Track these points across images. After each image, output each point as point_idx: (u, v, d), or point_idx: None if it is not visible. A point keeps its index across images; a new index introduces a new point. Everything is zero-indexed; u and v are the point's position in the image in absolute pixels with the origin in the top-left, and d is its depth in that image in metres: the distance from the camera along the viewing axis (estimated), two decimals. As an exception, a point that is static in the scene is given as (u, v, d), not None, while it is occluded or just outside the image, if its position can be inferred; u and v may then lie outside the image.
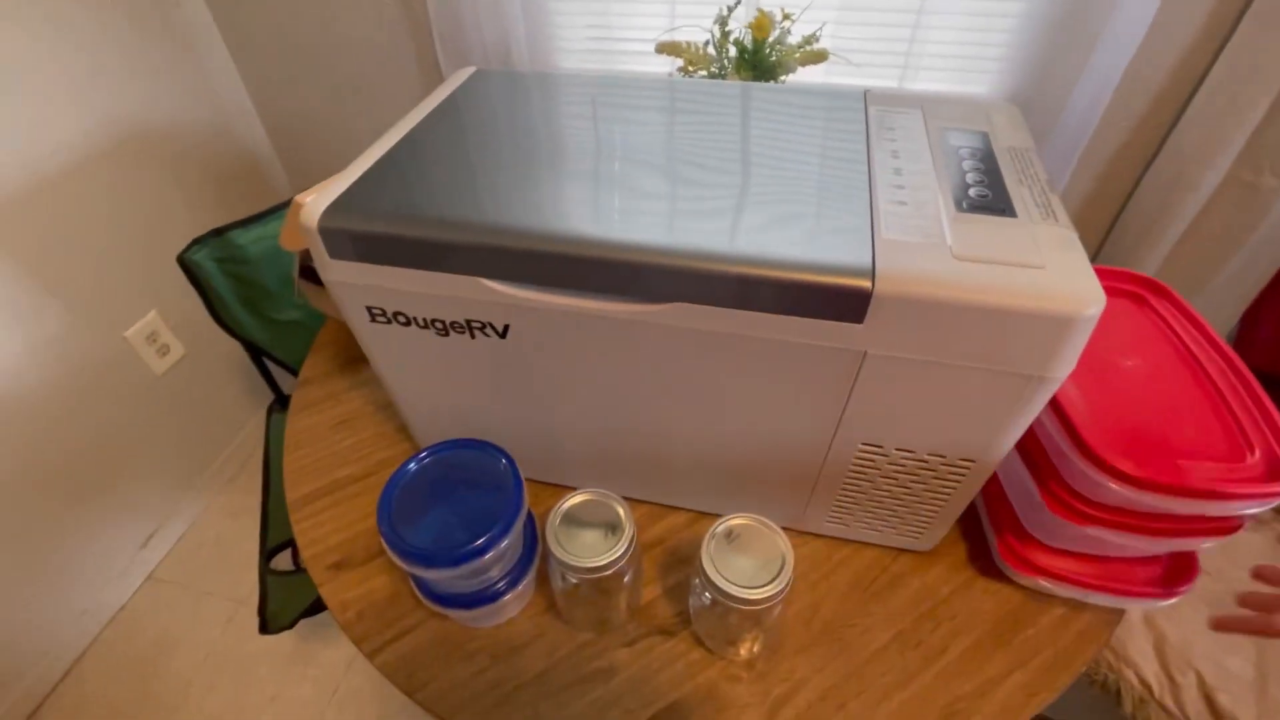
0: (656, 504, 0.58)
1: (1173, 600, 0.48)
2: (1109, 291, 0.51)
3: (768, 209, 0.41)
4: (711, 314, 0.39)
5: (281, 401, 0.96)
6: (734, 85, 0.57)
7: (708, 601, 0.44)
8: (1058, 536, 0.49)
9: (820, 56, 0.86)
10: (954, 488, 0.46)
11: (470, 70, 0.59)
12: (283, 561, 0.76)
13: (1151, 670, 0.68)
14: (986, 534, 0.54)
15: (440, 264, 0.41)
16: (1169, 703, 0.66)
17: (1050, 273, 0.35)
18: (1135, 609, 0.52)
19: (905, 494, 0.48)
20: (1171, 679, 0.67)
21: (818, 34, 0.87)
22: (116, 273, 1.12)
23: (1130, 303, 0.51)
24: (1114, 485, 0.43)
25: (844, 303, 0.36)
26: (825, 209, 0.41)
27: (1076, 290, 0.34)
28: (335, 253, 0.43)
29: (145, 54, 1.12)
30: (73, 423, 1.08)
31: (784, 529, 0.55)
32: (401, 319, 0.46)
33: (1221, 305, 1.01)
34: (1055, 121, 0.91)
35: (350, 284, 0.45)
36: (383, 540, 0.42)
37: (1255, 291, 0.98)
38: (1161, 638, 0.70)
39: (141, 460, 1.22)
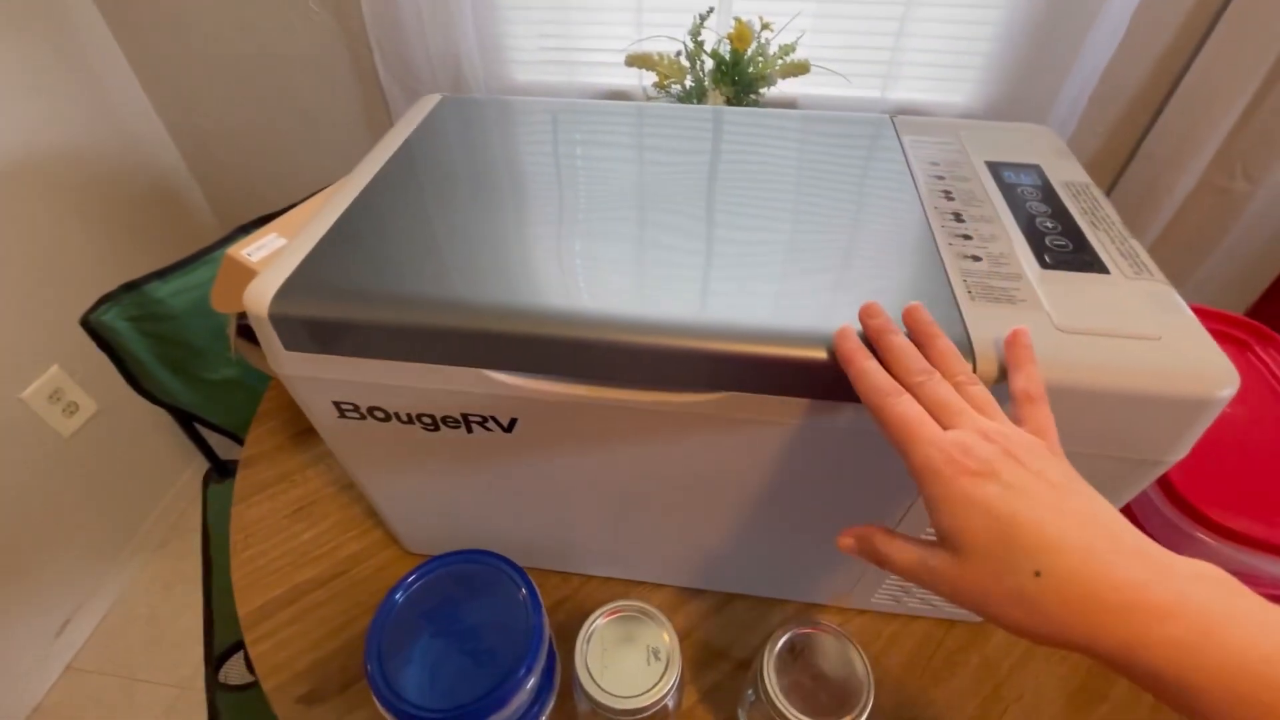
0: (679, 587, 0.51)
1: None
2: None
3: (825, 272, 0.34)
4: (769, 403, 0.32)
5: (219, 469, 0.84)
6: (750, 113, 0.51)
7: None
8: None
9: (802, 68, 0.81)
10: (1028, 566, 0.41)
11: (435, 99, 0.51)
12: (235, 670, 0.65)
13: None
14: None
15: (432, 355, 0.33)
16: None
17: (1169, 345, 0.30)
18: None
19: (972, 574, 0.43)
20: None
21: (795, 44, 0.82)
22: (6, 326, 0.96)
23: (1230, 346, 0.48)
24: (1203, 536, 0.39)
25: (934, 389, 0.30)
26: (890, 268, 0.35)
27: (1204, 367, 0.29)
28: (292, 344, 0.34)
29: (33, 72, 0.96)
30: (-38, 503, 0.93)
31: (826, 605, 0.50)
32: (379, 414, 0.38)
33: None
34: (1036, 130, 0.89)
35: (312, 378, 0.36)
36: (378, 702, 0.34)
37: (1230, 292, 1.00)
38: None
39: (52, 537, 1.07)
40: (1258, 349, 0.49)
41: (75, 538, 1.11)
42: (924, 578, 0.26)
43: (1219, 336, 0.49)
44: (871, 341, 0.29)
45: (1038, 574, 0.22)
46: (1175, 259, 0.98)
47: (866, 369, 0.28)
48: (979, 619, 0.48)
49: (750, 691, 0.40)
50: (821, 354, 0.30)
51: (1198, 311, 0.50)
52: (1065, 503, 0.23)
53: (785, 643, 0.37)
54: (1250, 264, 0.96)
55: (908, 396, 0.27)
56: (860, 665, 0.36)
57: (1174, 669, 0.20)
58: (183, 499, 1.30)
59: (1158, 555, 0.23)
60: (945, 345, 0.28)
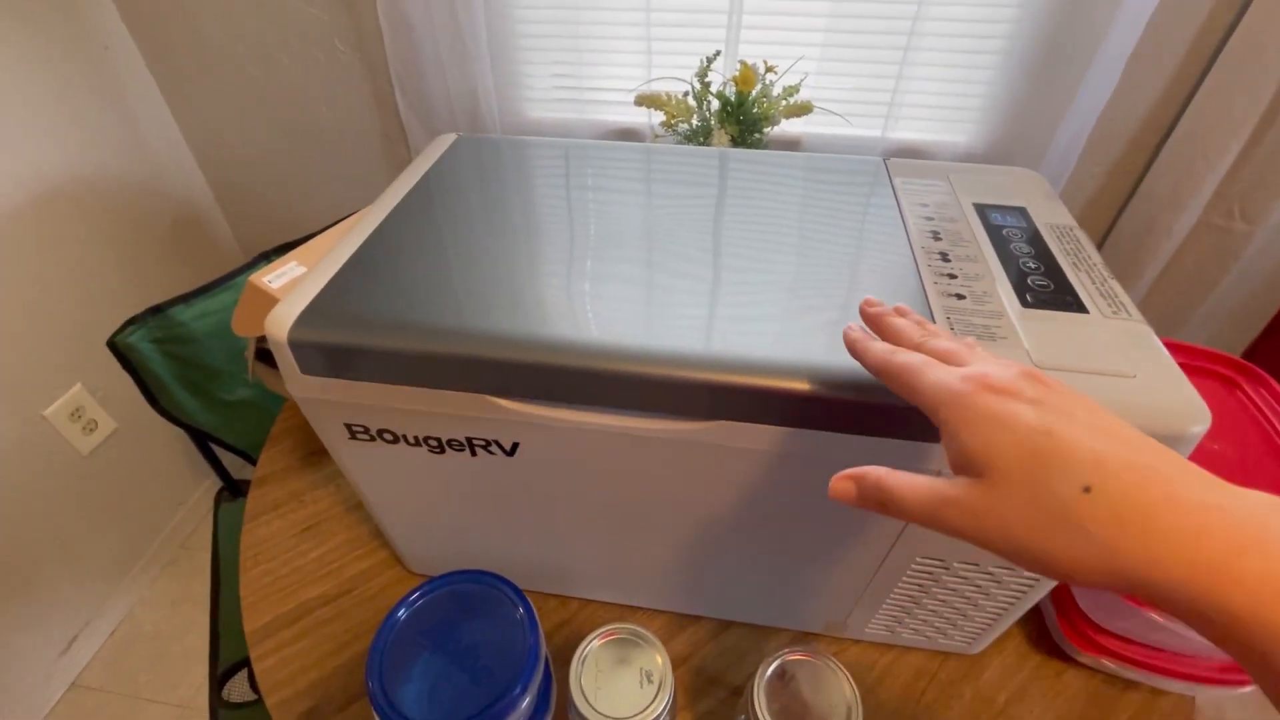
0: (676, 613, 0.52)
1: (1248, 689, 0.45)
2: (1195, 371, 0.49)
3: (815, 307, 0.36)
4: (759, 432, 0.34)
5: (231, 488, 0.86)
6: (749, 155, 0.53)
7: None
8: (1118, 617, 0.46)
9: (805, 109, 0.84)
10: (1018, 598, 0.42)
11: (451, 138, 0.54)
12: (239, 688, 0.66)
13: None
14: (1045, 612, 0.50)
15: (440, 381, 0.35)
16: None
17: (1143, 383, 0.31)
18: (1202, 695, 0.48)
19: (963, 603, 0.43)
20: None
21: (799, 85, 0.85)
22: (35, 345, 1.00)
23: (1218, 384, 0.49)
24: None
25: (918, 421, 0.32)
26: (877, 305, 0.36)
27: (1177, 404, 0.31)
28: (308, 368, 0.36)
29: (70, 102, 1.01)
30: (-19, 517, 0.95)
31: (821, 634, 0.50)
32: (388, 436, 0.39)
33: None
34: (1034, 169, 0.91)
35: (326, 400, 0.38)
36: (378, 719, 0.35)
37: (1228, 331, 1.00)
38: None
39: (64, 553, 1.09)
40: (1246, 388, 0.49)
41: (86, 554, 1.13)
42: (941, 512, 0.23)
43: (1208, 375, 0.51)
44: (873, 326, 0.31)
45: (1087, 489, 0.19)
46: (1175, 298, 0.99)
47: (871, 345, 0.28)
48: (973, 651, 0.49)
49: (742, 717, 0.40)
50: (809, 386, 0.31)
51: (1189, 350, 0.52)
52: (1106, 422, 0.21)
53: (776, 669, 0.38)
54: (1250, 302, 0.96)
55: (913, 351, 0.27)
56: (849, 692, 0.37)
57: (1253, 609, 0.17)
58: (193, 517, 1.32)
59: (1226, 483, 0.20)
60: (937, 328, 0.30)
